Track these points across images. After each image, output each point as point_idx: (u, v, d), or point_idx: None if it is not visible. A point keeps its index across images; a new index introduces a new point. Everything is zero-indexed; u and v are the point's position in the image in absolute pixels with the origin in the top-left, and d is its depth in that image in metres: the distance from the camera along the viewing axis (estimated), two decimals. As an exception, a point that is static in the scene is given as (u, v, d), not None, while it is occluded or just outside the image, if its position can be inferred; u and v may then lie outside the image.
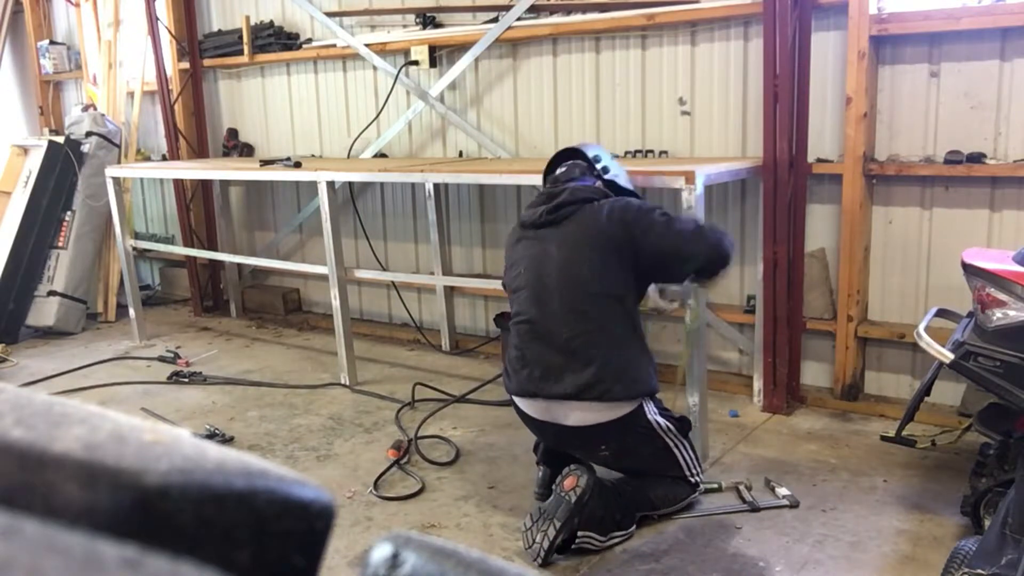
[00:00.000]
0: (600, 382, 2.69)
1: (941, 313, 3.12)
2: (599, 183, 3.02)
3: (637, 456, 2.86)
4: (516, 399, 2.91)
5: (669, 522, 2.87)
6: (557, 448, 2.96)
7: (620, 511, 2.76)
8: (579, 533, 2.67)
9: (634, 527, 2.80)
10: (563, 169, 3.09)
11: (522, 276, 2.90)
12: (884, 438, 3.19)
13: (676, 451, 2.86)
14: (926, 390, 2.88)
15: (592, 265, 2.77)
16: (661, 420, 2.83)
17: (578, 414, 2.74)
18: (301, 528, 0.50)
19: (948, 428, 3.36)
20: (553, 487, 2.76)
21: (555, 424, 2.80)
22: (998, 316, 2.55)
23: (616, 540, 2.74)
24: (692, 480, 2.90)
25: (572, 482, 2.69)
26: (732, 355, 4.23)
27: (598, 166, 3.06)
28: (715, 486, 3.07)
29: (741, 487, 3.05)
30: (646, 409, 2.80)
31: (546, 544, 2.61)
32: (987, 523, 2.56)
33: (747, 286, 4.10)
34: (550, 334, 2.78)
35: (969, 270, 2.67)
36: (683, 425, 2.92)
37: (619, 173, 3.10)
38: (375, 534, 2.86)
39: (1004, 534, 2.20)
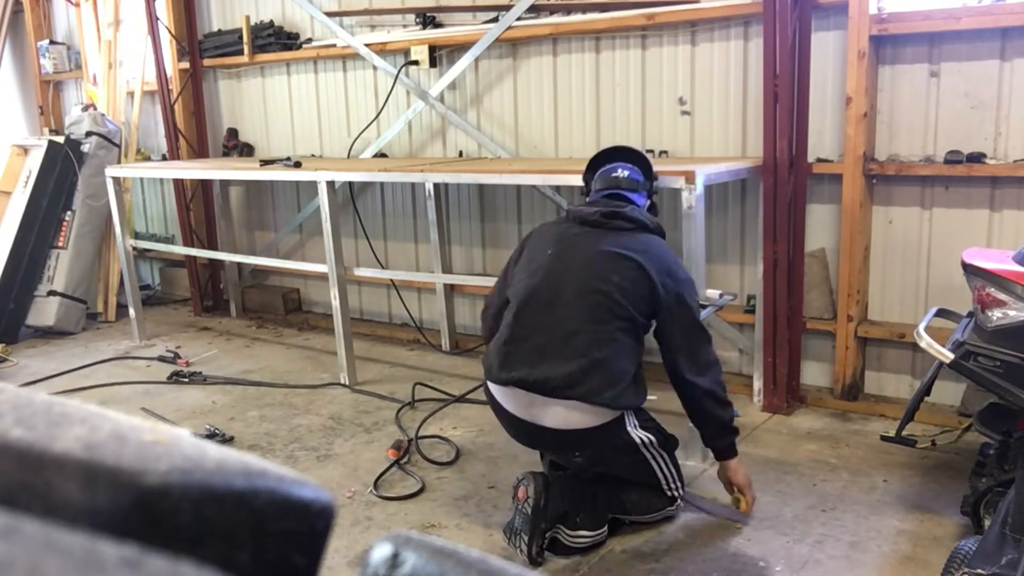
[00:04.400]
0: (588, 380, 2.59)
1: (941, 313, 3.12)
2: (648, 202, 3.03)
3: (612, 465, 2.79)
4: (493, 388, 2.78)
5: (669, 522, 2.87)
6: (531, 447, 2.93)
7: (585, 506, 2.71)
8: (547, 534, 2.67)
9: (605, 529, 2.75)
10: (623, 172, 3.01)
11: (548, 257, 2.80)
12: (884, 438, 3.18)
13: (654, 464, 2.78)
14: (926, 390, 2.88)
15: (627, 285, 2.68)
16: (641, 434, 2.74)
17: (558, 413, 2.64)
18: (301, 528, 0.50)
19: (948, 428, 3.35)
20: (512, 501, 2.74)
21: (531, 424, 2.70)
22: (998, 316, 2.55)
23: (584, 540, 2.70)
24: (669, 494, 2.83)
25: (524, 493, 2.67)
26: (732, 355, 4.23)
27: (653, 185, 3.08)
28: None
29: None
30: (626, 421, 2.71)
31: (524, 558, 2.63)
32: (987, 523, 2.56)
33: (747, 286, 4.10)
34: (555, 319, 2.69)
35: (969, 270, 2.67)
36: (668, 441, 2.84)
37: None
38: (375, 534, 2.86)
39: (1004, 534, 2.20)
